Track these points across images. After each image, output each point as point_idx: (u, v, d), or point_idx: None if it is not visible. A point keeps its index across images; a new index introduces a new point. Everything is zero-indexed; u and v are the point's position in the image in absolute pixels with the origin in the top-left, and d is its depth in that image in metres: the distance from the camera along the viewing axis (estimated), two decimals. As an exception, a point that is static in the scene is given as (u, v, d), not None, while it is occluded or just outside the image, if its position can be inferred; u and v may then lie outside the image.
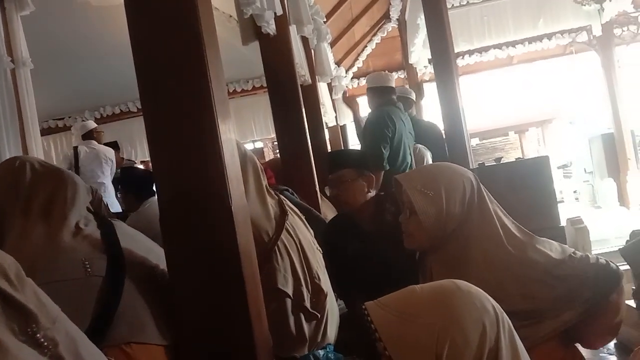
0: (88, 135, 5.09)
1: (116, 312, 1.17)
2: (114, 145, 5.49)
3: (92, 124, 5.30)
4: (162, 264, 1.31)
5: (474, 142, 6.42)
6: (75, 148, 4.95)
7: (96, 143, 5.08)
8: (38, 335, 0.55)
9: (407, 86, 6.95)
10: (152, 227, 1.57)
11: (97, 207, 1.49)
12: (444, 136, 4.05)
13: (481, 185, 1.58)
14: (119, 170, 4.80)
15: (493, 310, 0.91)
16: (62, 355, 0.57)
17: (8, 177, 1.37)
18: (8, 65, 3.20)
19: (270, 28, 2.84)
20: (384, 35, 8.39)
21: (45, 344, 0.56)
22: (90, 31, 3.91)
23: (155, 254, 1.38)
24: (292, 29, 3.45)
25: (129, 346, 1.16)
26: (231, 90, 5.92)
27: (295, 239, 1.74)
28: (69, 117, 6.07)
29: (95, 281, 1.21)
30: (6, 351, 0.50)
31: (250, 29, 2.90)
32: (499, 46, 7.78)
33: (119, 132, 6.27)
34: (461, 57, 7.60)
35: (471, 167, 3.49)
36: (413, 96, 4.94)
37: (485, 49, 7.81)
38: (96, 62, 4.44)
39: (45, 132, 5.75)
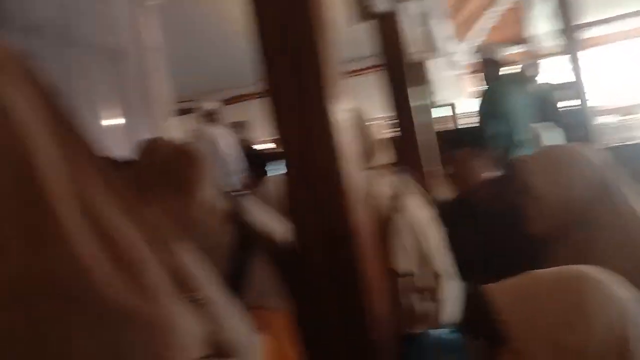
0: (208, 118, 5.38)
1: (246, 279, 1.27)
2: (242, 125, 5.72)
3: (212, 106, 5.59)
4: (284, 238, 1.39)
5: (613, 119, 5.84)
6: (197, 129, 5.27)
7: (216, 125, 5.37)
8: (193, 294, 0.62)
9: (529, 60, 6.54)
10: (269, 205, 1.67)
11: (224, 184, 1.60)
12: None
13: (614, 167, 1.46)
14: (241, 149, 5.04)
15: (626, 300, 0.86)
16: (213, 316, 0.64)
17: (147, 156, 1.52)
18: (142, 50, 3.48)
19: (381, 6, 2.82)
20: (504, 7, 7.94)
21: (199, 302, 0.62)
22: (215, 15, 4.10)
23: (278, 228, 1.47)
24: (403, 6, 3.39)
25: (259, 311, 1.25)
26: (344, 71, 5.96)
27: (412, 218, 1.74)
28: (194, 100, 6.48)
29: (226, 251, 1.32)
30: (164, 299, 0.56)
31: (361, 7, 2.89)
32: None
33: (240, 115, 6.55)
34: (596, 26, 6.96)
35: (597, 146, 3.23)
36: (533, 70, 4.65)
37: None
38: (221, 45, 4.63)
39: (178, 113, 6.19)
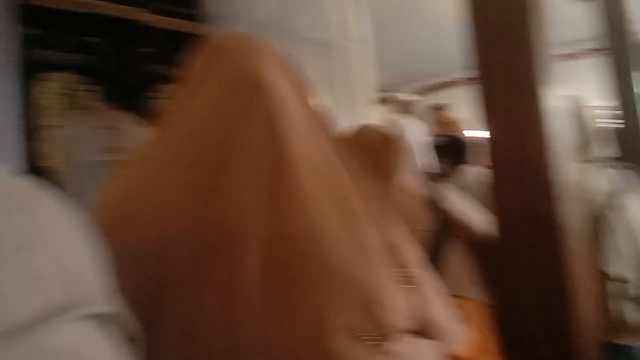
0: (402, 109, 5.43)
1: (443, 266, 1.29)
2: (439, 107, 5.65)
3: (406, 97, 5.62)
4: (484, 227, 1.37)
5: None
6: (391, 119, 5.36)
7: (408, 116, 5.38)
8: (407, 271, 0.67)
9: None
10: (468, 193, 1.64)
11: (423, 171, 1.63)
12: None
13: None
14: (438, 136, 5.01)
15: None
16: (422, 296, 0.68)
17: (351, 142, 1.62)
18: (350, 42, 3.67)
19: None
20: None
21: (408, 279, 0.67)
22: (422, 3, 4.12)
23: (477, 217, 1.45)
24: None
25: (454, 299, 1.26)
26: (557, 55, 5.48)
27: (631, 219, 1.57)
28: (390, 90, 6.61)
29: (423, 236, 1.35)
30: (381, 269, 0.61)
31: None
32: None
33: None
34: None
35: None
36: None
37: None
38: (424, 36, 4.65)
39: (379, 101, 6.39)
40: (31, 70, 2.14)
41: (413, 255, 0.74)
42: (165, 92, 2.51)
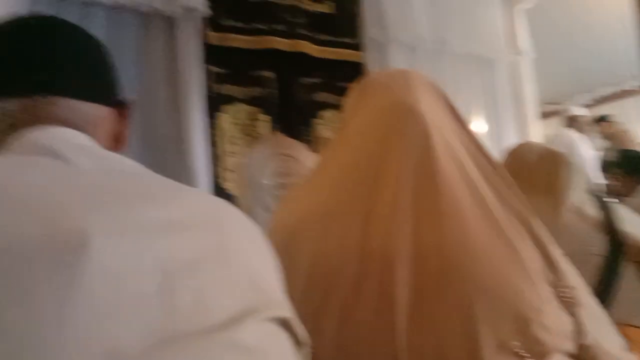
0: (569, 123, 5.01)
1: (615, 292, 1.19)
2: (606, 119, 5.15)
3: (574, 111, 5.17)
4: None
5: None
6: (558, 134, 4.97)
7: (577, 130, 4.92)
8: (564, 289, 0.66)
9: None
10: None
11: (594, 189, 1.52)
12: None
13: None
14: (610, 150, 4.54)
15: None
16: (582, 318, 0.66)
17: (515, 161, 1.58)
18: (511, 55, 3.55)
19: None
20: None
21: (568, 299, 0.65)
22: (588, 17, 3.87)
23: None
24: None
25: (627, 328, 1.16)
26: None
27: None
28: (562, 103, 6.16)
29: (595, 260, 1.26)
30: (538, 287, 0.62)
31: None
32: None
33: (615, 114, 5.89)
34: None
35: None
36: None
37: None
38: (591, 46, 4.35)
39: (543, 116, 6.03)
40: (215, 103, 2.46)
41: (574, 275, 0.72)
42: (330, 119, 2.69)
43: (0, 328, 0.33)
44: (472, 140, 0.74)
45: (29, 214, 0.37)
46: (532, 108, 3.63)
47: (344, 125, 0.79)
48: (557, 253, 0.71)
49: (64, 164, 0.45)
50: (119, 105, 0.62)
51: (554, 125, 6.30)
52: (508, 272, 0.59)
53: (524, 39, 3.64)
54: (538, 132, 3.63)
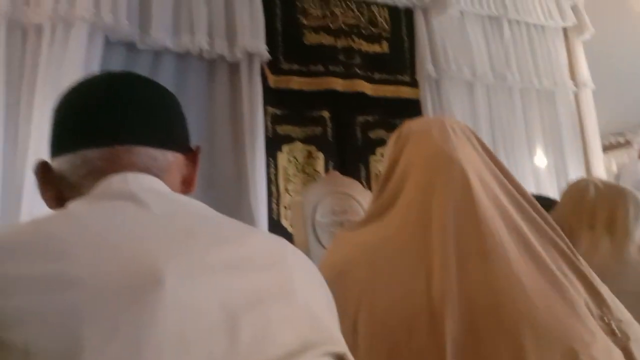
0: (635, 154, 4.77)
1: None
2: None
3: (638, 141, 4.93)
4: None
5: None
6: (625, 165, 4.75)
7: None
8: (611, 322, 0.65)
9: None
10: None
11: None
12: None
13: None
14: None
15: None
16: (633, 352, 0.65)
17: (575, 196, 1.54)
18: (571, 88, 3.50)
19: None
20: None
21: (618, 334, 0.65)
22: None
23: None
24: None
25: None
26: None
27: None
28: (630, 132, 5.91)
29: None
30: (585, 321, 0.62)
31: None
32: None
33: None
34: None
35: None
36: None
37: None
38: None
39: (605, 148, 5.81)
40: (274, 143, 2.55)
41: (622, 309, 0.71)
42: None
43: (87, 346, 0.38)
44: (505, 177, 0.76)
45: (116, 255, 0.44)
46: (594, 140, 3.52)
47: (388, 173, 0.82)
48: (600, 284, 0.71)
49: (142, 208, 0.51)
50: (189, 152, 0.68)
51: (619, 158, 6.05)
52: (555, 307, 0.60)
53: (583, 71, 3.57)
54: (601, 165, 3.51)
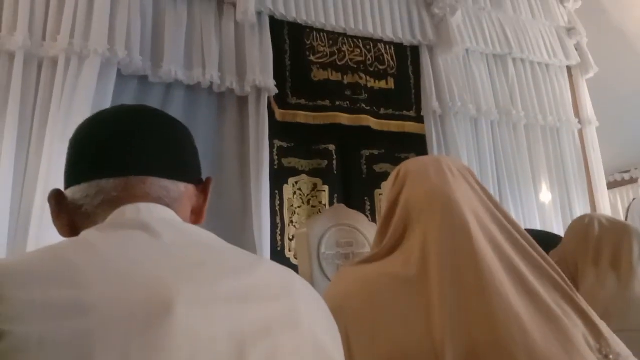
0: None
1: None
2: None
3: None
4: None
5: None
6: (633, 203, 4.76)
7: None
8: (610, 356, 0.65)
9: None
10: None
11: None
12: None
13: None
14: None
15: None
16: None
17: (580, 232, 1.54)
18: (575, 126, 3.53)
19: None
20: None
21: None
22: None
23: None
24: None
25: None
26: None
27: None
28: (635, 169, 5.92)
29: None
30: (584, 354, 0.63)
31: None
32: None
33: None
34: None
35: None
36: None
37: None
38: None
39: (611, 185, 5.81)
40: (280, 175, 2.58)
41: (619, 342, 0.71)
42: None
43: None
44: (501, 214, 0.78)
45: (128, 283, 0.46)
46: (599, 177, 3.54)
47: (388, 216, 0.84)
48: (597, 318, 0.71)
49: (154, 237, 0.53)
50: (199, 183, 0.71)
51: (625, 195, 6.04)
52: (554, 340, 0.61)
53: (587, 109, 3.62)
54: (607, 202, 3.51)
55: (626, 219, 4.62)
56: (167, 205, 0.62)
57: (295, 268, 2.09)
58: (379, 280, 0.75)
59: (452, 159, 0.89)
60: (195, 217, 0.69)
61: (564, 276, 0.74)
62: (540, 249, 0.76)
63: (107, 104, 2.14)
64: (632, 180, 5.90)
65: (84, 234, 0.54)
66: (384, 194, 0.92)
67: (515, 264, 0.70)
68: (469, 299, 0.66)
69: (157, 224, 0.55)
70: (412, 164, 0.89)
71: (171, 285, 0.46)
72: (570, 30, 3.70)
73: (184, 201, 0.66)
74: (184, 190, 0.66)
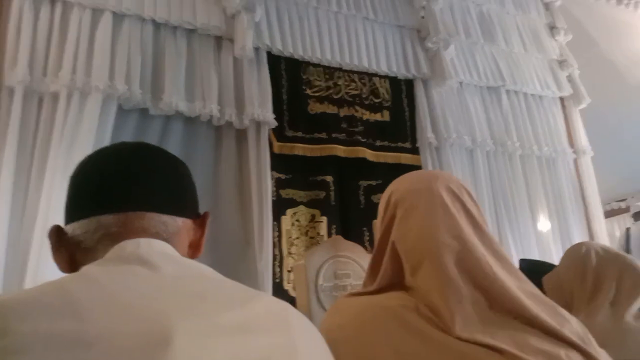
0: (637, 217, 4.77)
1: None
2: None
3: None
4: None
5: None
6: (627, 229, 4.76)
7: None
8: None
9: None
10: None
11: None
12: None
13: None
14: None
15: None
16: None
17: (577, 261, 1.55)
18: (571, 155, 3.57)
19: None
20: None
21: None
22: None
23: None
24: None
25: None
26: None
27: None
28: (632, 198, 5.95)
29: None
30: None
31: None
32: None
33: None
34: None
35: None
36: None
37: None
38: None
39: (608, 214, 5.83)
40: (278, 207, 2.58)
41: None
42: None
43: None
44: (488, 241, 0.79)
45: (128, 316, 0.47)
46: (595, 205, 3.56)
47: (379, 254, 0.85)
48: (595, 347, 0.72)
49: (154, 271, 0.55)
50: (197, 217, 0.72)
51: (622, 222, 6.05)
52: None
53: (581, 138, 3.66)
54: (604, 230, 3.52)
55: (628, 244, 4.60)
56: (166, 240, 0.64)
57: (293, 300, 2.08)
58: (374, 312, 0.75)
59: (447, 177, 0.87)
60: (193, 250, 0.71)
61: (554, 304, 0.75)
62: (521, 274, 0.78)
63: (107, 138, 2.17)
64: (628, 209, 5.91)
65: (85, 268, 0.56)
66: (376, 222, 0.92)
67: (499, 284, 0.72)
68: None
69: (156, 258, 0.57)
70: (402, 190, 0.87)
71: (171, 317, 0.47)
72: (562, 63, 3.78)
73: (181, 235, 0.67)
74: (181, 224, 0.67)
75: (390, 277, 0.79)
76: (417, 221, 0.79)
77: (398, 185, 0.89)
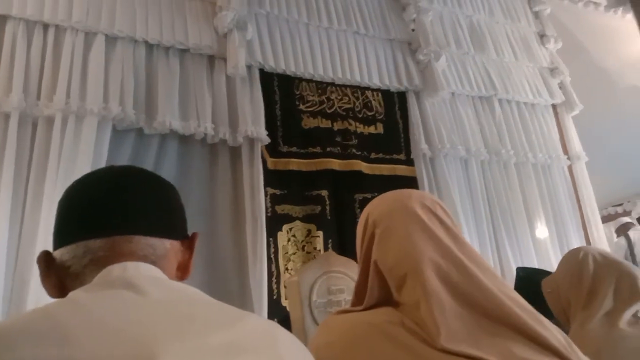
0: (622, 229, 4.76)
1: None
2: None
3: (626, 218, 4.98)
4: None
5: None
6: (627, 235, 4.75)
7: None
8: None
9: None
10: None
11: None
12: None
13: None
14: None
15: None
16: None
17: (574, 268, 1.55)
18: (565, 162, 3.58)
19: None
20: None
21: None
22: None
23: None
24: None
25: None
26: None
27: None
28: (628, 202, 5.97)
29: None
30: None
31: None
32: None
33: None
34: None
35: None
36: None
37: None
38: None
39: (605, 219, 5.84)
40: (273, 223, 2.59)
41: None
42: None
43: None
44: (467, 251, 0.80)
45: (116, 339, 0.48)
46: (592, 211, 3.56)
47: (363, 276, 0.86)
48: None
49: (141, 295, 0.56)
50: (185, 238, 0.73)
51: (617, 228, 6.05)
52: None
53: (575, 145, 3.68)
54: (602, 235, 3.52)
55: (631, 252, 4.60)
56: (153, 263, 0.65)
57: (289, 316, 2.08)
58: (361, 329, 0.76)
59: (420, 195, 0.89)
60: (181, 272, 0.72)
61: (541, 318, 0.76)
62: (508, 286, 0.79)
63: (103, 160, 2.18)
64: (626, 213, 5.93)
65: (72, 294, 0.57)
66: (357, 242, 0.93)
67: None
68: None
69: (143, 282, 0.58)
70: (378, 211, 0.89)
71: (159, 340, 0.48)
72: (553, 70, 3.81)
73: (169, 258, 0.68)
74: (169, 247, 0.69)
75: (378, 296, 0.80)
76: (396, 239, 0.80)
77: (374, 207, 0.91)
